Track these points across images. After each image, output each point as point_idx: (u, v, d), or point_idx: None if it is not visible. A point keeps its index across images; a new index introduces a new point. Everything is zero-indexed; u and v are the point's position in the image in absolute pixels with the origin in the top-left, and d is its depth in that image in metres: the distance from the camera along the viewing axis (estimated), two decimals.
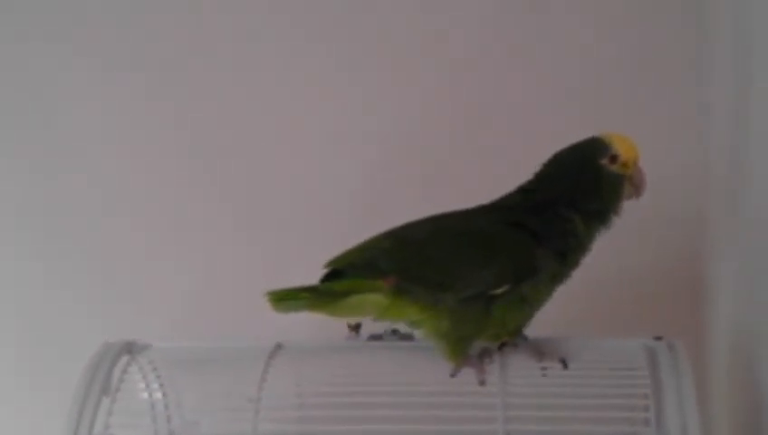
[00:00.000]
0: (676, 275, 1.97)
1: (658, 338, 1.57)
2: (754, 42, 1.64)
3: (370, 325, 1.74)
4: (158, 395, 1.72)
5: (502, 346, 1.61)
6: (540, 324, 1.62)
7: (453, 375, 1.58)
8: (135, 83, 2.14)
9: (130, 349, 1.67)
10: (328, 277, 1.63)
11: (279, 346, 1.66)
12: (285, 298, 1.59)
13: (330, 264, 1.63)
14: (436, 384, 1.59)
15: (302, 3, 2.12)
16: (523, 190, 1.61)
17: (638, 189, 1.58)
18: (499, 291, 1.55)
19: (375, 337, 1.73)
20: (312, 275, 2.01)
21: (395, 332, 1.71)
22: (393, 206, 2.04)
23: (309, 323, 1.91)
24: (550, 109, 2.04)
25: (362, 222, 2.01)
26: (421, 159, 2.07)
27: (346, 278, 1.60)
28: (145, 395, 1.72)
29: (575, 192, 1.57)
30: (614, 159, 1.56)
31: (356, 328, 1.78)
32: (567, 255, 1.58)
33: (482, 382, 1.56)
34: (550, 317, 1.62)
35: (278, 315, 1.99)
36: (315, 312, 1.59)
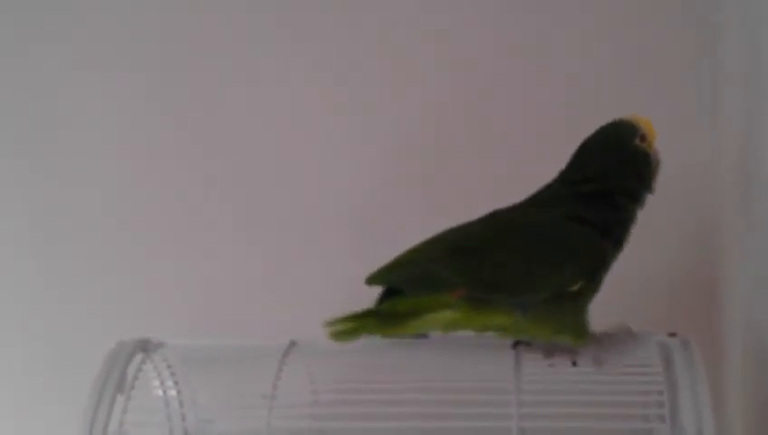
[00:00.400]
0: (691, 273, 1.97)
1: (672, 335, 1.57)
2: (762, 39, 1.63)
3: None
4: (173, 393, 1.73)
5: (516, 345, 1.61)
6: None
7: (575, 363, 1.57)
8: (135, 83, 2.14)
9: (145, 347, 1.67)
10: (384, 296, 1.57)
11: (293, 344, 1.66)
12: (347, 329, 1.53)
13: (377, 280, 1.56)
14: (450, 381, 1.59)
15: (303, 3, 2.12)
16: (566, 181, 1.60)
17: (658, 165, 1.60)
18: (575, 288, 1.53)
19: None
20: (325, 271, 2.02)
21: None
22: (394, 206, 2.05)
23: (323, 321, 1.91)
24: (550, 109, 2.03)
25: (369, 219, 2.03)
26: (421, 160, 2.07)
27: (405, 296, 1.54)
28: (159, 393, 1.72)
29: (621, 176, 1.57)
30: (643, 138, 1.57)
31: None
32: (622, 242, 1.58)
33: (601, 366, 1.55)
34: None
35: (292, 312, 2.01)
36: (383, 336, 1.56)
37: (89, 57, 2.16)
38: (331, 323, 1.52)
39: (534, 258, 1.52)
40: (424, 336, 1.65)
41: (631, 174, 1.58)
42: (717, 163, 1.94)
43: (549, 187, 1.61)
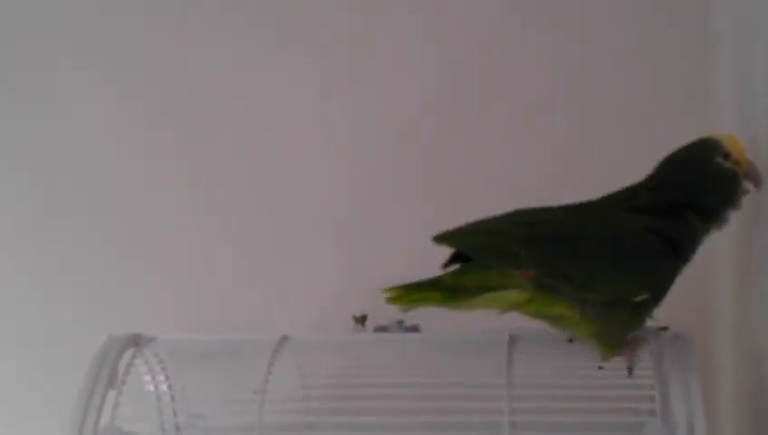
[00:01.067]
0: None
1: (664, 328, 1.57)
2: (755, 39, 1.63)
3: (376, 317, 1.75)
4: (164, 387, 1.73)
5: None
6: None
7: (601, 367, 1.55)
8: (131, 84, 2.14)
9: (136, 341, 1.67)
10: (453, 259, 1.53)
11: (285, 339, 1.66)
12: (408, 296, 1.50)
13: (447, 241, 1.51)
14: (442, 376, 1.59)
15: (299, 4, 2.12)
16: (647, 191, 1.57)
17: (756, 181, 1.55)
18: (638, 299, 1.51)
19: (381, 329, 1.73)
20: (315, 268, 2.02)
21: (401, 323, 1.71)
22: (381, 202, 2.05)
23: (314, 316, 1.92)
24: (549, 109, 2.03)
25: (357, 214, 2.03)
26: (408, 157, 2.07)
27: (475, 267, 1.50)
28: (151, 388, 1.72)
29: (697, 193, 1.54)
30: (727, 156, 1.54)
31: (362, 320, 1.78)
32: (690, 258, 1.56)
33: (630, 371, 1.54)
34: None
35: (284, 308, 2.01)
36: (443, 307, 1.52)
37: (89, 59, 2.16)
38: (391, 289, 1.49)
39: (612, 261, 1.50)
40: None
41: (710, 192, 1.55)
42: None
43: (630, 191, 1.57)
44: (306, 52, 2.10)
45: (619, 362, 1.55)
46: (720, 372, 1.83)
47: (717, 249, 1.86)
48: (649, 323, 1.57)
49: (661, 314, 1.59)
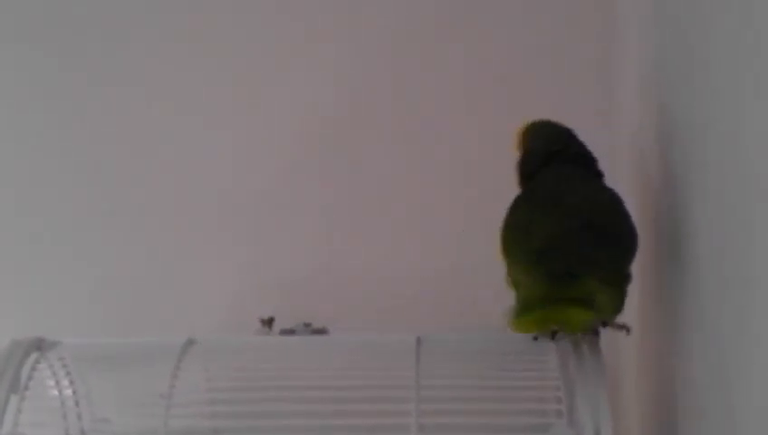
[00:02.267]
0: None
1: None
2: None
3: (283, 320, 1.74)
4: (69, 392, 1.70)
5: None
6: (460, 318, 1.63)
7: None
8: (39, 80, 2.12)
9: (40, 345, 1.64)
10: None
11: (191, 342, 1.64)
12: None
13: (548, 266, 1.44)
14: (350, 378, 1.59)
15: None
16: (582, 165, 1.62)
17: None
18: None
19: (287, 332, 1.72)
20: (221, 270, 2.01)
21: (308, 325, 1.71)
22: (289, 201, 2.05)
23: (220, 319, 1.90)
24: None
25: (264, 214, 2.02)
26: (327, 158, 2.07)
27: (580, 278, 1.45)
28: (55, 392, 1.70)
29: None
30: None
31: (269, 323, 1.78)
32: None
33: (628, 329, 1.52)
34: (468, 310, 1.62)
35: (189, 310, 2.00)
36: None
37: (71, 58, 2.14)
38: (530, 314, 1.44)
39: (632, 232, 1.52)
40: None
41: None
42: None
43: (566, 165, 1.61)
44: (217, 46, 2.09)
45: (525, 364, 1.56)
46: (626, 372, 1.85)
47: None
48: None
49: None
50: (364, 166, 2.05)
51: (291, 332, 1.72)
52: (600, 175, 1.62)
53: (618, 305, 1.48)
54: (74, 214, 2.10)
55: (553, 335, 1.50)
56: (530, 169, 1.61)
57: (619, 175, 1.77)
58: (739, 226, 1.10)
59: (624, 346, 1.86)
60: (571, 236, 1.45)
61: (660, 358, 1.58)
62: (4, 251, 2.10)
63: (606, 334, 1.62)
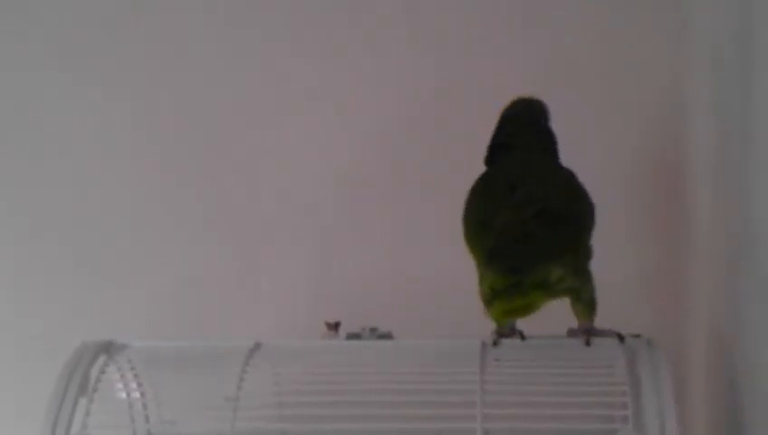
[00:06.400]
0: (656, 274, 1.98)
1: (637, 335, 1.57)
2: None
3: (349, 324, 1.74)
4: (136, 395, 1.72)
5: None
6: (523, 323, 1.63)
7: (588, 344, 1.59)
8: (104, 82, 2.14)
9: (108, 349, 1.66)
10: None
11: (258, 345, 1.65)
12: (518, 307, 1.54)
13: (518, 277, 1.52)
14: (416, 382, 1.59)
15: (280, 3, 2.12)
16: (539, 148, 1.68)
17: None
18: None
19: (353, 336, 1.72)
20: (288, 274, 2.01)
21: (373, 330, 1.71)
22: (356, 208, 2.05)
23: (288, 323, 1.91)
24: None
25: (331, 222, 2.02)
26: (396, 166, 2.07)
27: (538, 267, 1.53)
28: (123, 395, 1.71)
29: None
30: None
31: (335, 327, 1.78)
32: None
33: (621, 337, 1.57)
34: (533, 316, 1.62)
35: (257, 315, 2.00)
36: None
37: (67, 59, 2.16)
38: (495, 305, 1.53)
39: (590, 216, 1.60)
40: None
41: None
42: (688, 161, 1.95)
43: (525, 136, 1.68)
44: (291, 52, 2.10)
45: (592, 368, 1.55)
46: (692, 378, 1.83)
47: (690, 256, 1.86)
48: (623, 330, 1.58)
49: (634, 321, 1.60)
50: (434, 169, 2.04)
51: (356, 336, 1.72)
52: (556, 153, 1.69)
53: (582, 281, 1.58)
54: (145, 216, 2.12)
55: (587, 342, 1.58)
56: (496, 141, 1.70)
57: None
58: None
59: (692, 349, 1.85)
60: (526, 227, 1.51)
61: (729, 360, 1.56)
62: (75, 252, 2.12)
63: (673, 339, 1.61)
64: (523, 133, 1.67)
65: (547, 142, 1.69)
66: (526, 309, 1.54)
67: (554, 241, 1.52)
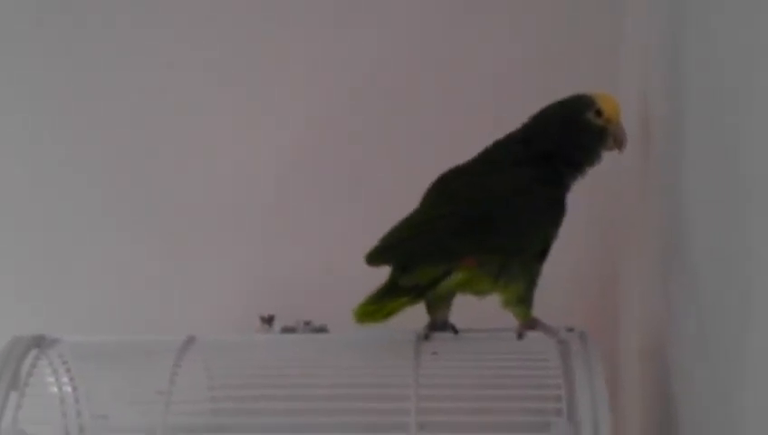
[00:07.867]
0: (590, 269, 1.99)
1: (570, 329, 1.58)
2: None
3: (283, 318, 1.74)
4: (68, 389, 1.70)
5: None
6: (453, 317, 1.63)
7: (521, 337, 1.60)
8: (29, 75, 2.13)
9: (39, 343, 1.64)
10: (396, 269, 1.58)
11: (191, 339, 1.64)
12: (382, 311, 1.56)
13: (382, 259, 1.57)
14: (351, 376, 1.59)
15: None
16: (520, 141, 1.65)
17: (619, 143, 1.64)
18: (546, 247, 1.62)
19: (288, 329, 1.72)
20: (222, 269, 2.00)
21: (308, 324, 1.70)
22: (293, 203, 2.04)
23: (223, 317, 1.90)
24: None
25: (268, 216, 2.01)
26: (330, 159, 2.06)
27: (419, 268, 1.56)
28: (54, 389, 1.70)
29: (567, 145, 1.63)
30: (599, 113, 1.62)
31: (269, 321, 1.77)
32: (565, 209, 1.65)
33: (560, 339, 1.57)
34: (466, 310, 1.62)
35: (192, 309, 1.99)
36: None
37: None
38: (358, 309, 1.55)
39: (526, 220, 1.59)
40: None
41: (577, 145, 1.64)
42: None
43: (505, 143, 1.66)
44: (221, 47, 2.09)
45: (526, 362, 1.56)
46: (624, 370, 1.85)
47: (624, 254, 1.88)
48: (556, 324, 1.59)
49: (567, 315, 1.61)
50: (365, 166, 2.05)
51: (291, 330, 1.71)
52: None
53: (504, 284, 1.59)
54: (76, 213, 2.10)
55: (519, 335, 1.60)
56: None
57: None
58: (735, 223, 1.10)
59: (624, 342, 1.86)
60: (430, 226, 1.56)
61: (660, 352, 1.57)
62: (4, 249, 2.10)
63: (606, 332, 1.62)
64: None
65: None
66: (387, 313, 1.56)
67: (458, 243, 1.55)
